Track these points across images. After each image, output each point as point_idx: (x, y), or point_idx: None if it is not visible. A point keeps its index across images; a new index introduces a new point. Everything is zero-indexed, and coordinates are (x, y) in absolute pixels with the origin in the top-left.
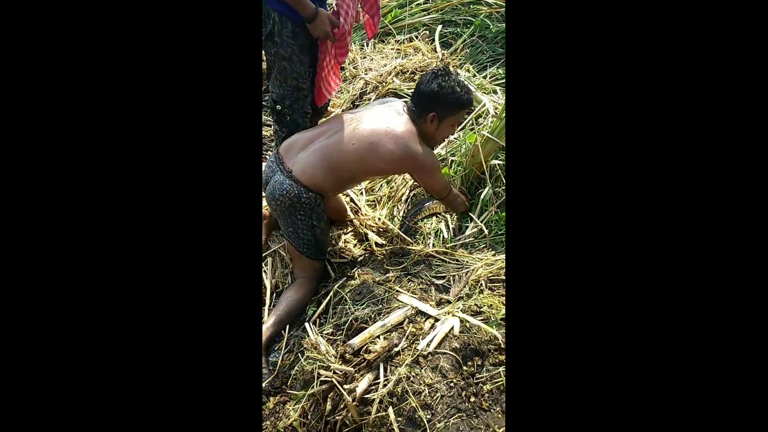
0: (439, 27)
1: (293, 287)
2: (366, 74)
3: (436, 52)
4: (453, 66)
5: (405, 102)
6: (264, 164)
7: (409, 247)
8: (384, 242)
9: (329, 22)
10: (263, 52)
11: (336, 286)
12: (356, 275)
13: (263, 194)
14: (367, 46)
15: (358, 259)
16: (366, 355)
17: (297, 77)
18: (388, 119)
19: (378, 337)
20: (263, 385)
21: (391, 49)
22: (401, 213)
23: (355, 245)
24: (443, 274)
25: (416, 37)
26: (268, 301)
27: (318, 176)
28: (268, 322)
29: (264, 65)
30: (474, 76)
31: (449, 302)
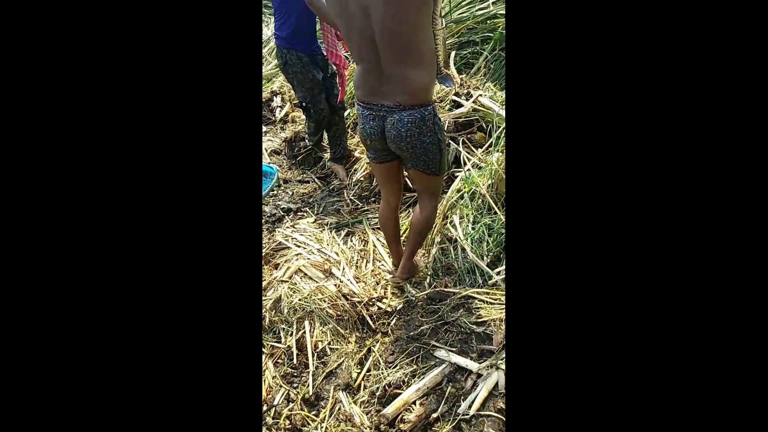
0: (453, 53)
1: (422, 214)
2: None
3: (455, 77)
4: (473, 88)
5: None
6: (362, 126)
7: (446, 290)
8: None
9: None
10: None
11: (374, 343)
12: (389, 330)
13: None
14: None
15: (397, 308)
16: (402, 426)
17: (308, 82)
18: None
19: (414, 403)
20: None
21: None
22: (432, 257)
23: (393, 292)
24: (484, 319)
25: None
26: (311, 363)
27: (416, 83)
28: (405, 257)
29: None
30: (495, 94)
31: (492, 353)
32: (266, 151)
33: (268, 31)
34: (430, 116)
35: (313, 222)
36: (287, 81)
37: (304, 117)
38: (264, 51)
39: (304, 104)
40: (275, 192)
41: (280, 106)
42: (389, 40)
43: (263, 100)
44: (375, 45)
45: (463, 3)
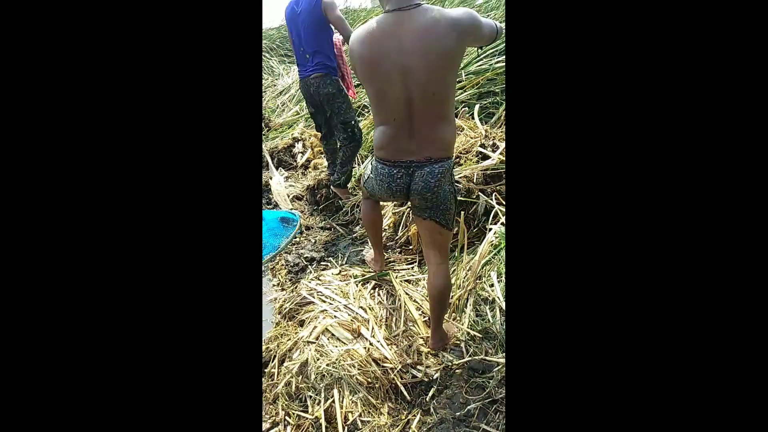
0: (477, 106)
1: (438, 279)
2: None
3: (478, 128)
4: (498, 139)
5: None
6: (386, 184)
7: (488, 359)
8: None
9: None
10: (326, 106)
11: (411, 418)
12: (432, 408)
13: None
14: None
15: (434, 377)
16: None
17: (352, 104)
18: (426, 31)
19: None
20: None
21: None
22: (468, 319)
23: (427, 356)
24: None
25: (456, 117)
26: None
27: (446, 137)
28: (433, 327)
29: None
30: None
31: None
32: (288, 197)
33: (289, 78)
34: (451, 168)
35: (338, 273)
36: (334, 109)
37: (326, 163)
38: (285, 98)
39: (352, 122)
40: (298, 239)
41: (301, 152)
42: (426, 100)
43: (285, 146)
44: (410, 105)
45: (483, 56)
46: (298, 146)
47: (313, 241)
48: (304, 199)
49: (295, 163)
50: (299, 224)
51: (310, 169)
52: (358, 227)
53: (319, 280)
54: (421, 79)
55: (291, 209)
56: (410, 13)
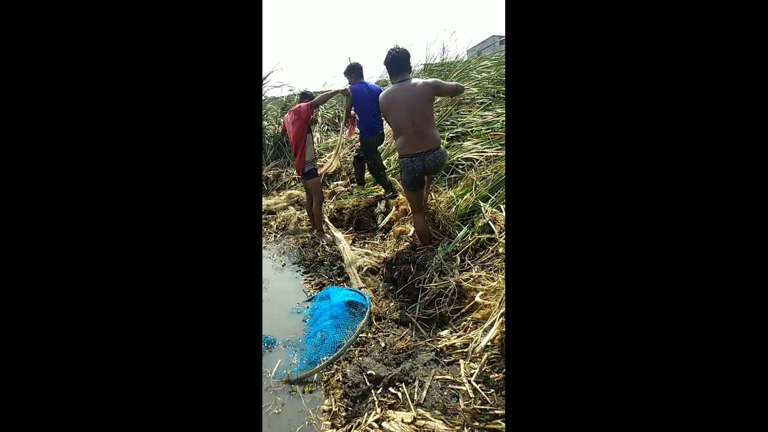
0: None
1: (420, 222)
2: None
3: None
4: None
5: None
6: (410, 168)
7: None
8: None
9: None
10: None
11: None
12: None
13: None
14: None
15: None
16: None
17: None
18: (414, 88)
19: None
20: None
21: None
22: None
23: None
24: None
25: None
26: None
27: (436, 135)
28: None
29: None
30: None
31: None
32: (361, 269)
33: None
34: (443, 151)
35: (411, 423)
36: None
37: (411, 231)
38: None
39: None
40: (365, 334)
41: (383, 213)
42: (421, 117)
43: (367, 204)
44: (413, 121)
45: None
46: (380, 206)
47: (383, 345)
48: (380, 273)
49: (374, 225)
50: (368, 313)
51: (390, 236)
52: (445, 332)
53: (381, 428)
54: (417, 108)
55: (360, 288)
56: (406, 81)
